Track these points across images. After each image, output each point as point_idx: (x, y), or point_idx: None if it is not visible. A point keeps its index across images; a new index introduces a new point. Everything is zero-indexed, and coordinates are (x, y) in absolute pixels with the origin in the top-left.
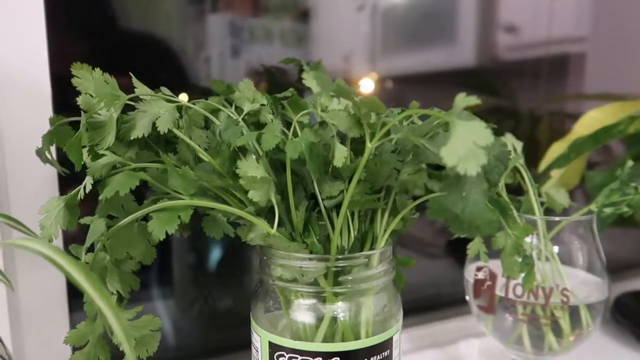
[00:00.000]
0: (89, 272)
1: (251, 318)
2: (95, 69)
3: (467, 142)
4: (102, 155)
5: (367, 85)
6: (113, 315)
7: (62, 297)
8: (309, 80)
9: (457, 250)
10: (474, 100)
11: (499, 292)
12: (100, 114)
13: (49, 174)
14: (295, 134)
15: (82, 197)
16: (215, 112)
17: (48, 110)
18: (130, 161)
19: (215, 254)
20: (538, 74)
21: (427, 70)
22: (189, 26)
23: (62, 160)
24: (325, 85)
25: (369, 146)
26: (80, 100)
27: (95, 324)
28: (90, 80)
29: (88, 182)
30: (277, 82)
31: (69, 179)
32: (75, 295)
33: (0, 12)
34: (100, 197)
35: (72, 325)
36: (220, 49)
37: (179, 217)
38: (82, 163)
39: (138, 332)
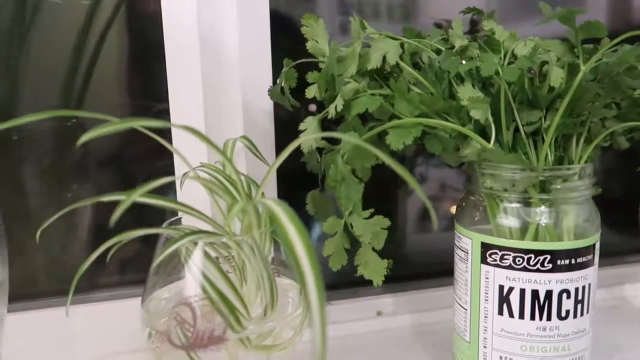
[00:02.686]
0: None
1: (457, 225)
2: (319, 19)
3: None
4: (348, 82)
5: None
6: (412, 182)
7: None
8: (490, 26)
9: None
10: None
11: None
12: (341, 50)
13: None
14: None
15: (333, 116)
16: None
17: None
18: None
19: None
20: None
21: (552, 38)
22: (300, 5)
23: None
24: (551, 13)
25: (583, 69)
26: (309, 45)
27: (340, 220)
28: (315, 29)
29: (339, 102)
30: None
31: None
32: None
33: None
34: (350, 115)
35: None
36: (330, 26)
37: (411, 132)
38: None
39: (373, 228)
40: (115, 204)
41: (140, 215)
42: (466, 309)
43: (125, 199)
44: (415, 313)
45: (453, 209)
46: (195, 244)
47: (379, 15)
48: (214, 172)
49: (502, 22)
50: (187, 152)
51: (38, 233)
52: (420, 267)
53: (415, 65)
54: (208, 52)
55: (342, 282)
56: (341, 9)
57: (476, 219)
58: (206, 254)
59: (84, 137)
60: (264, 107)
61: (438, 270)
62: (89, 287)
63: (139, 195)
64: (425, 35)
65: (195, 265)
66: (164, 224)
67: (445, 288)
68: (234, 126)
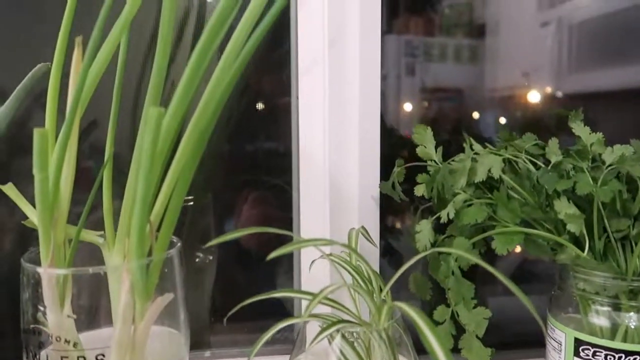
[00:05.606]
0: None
1: (551, 317)
2: (427, 128)
3: None
4: (458, 193)
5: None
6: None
7: None
8: (579, 128)
9: None
10: None
11: None
12: (451, 163)
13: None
14: (603, 182)
15: (445, 221)
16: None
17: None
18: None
19: None
20: None
21: (625, 87)
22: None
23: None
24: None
25: None
26: (418, 150)
27: (448, 309)
28: (424, 136)
29: (451, 211)
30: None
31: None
32: None
33: None
34: (461, 222)
35: None
36: (396, 67)
37: (514, 239)
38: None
39: (476, 318)
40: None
41: None
42: None
43: (301, 317)
44: None
45: None
46: (338, 330)
47: (445, 57)
48: (342, 262)
49: (573, 71)
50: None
51: (225, 320)
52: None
53: (512, 169)
54: (334, 158)
55: None
56: (407, 51)
57: (569, 313)
58: (344, 337)
59: (272, 255)
60: (374, 196)
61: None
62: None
63: (309, 313)
64: (516, 137)
65: (338, 346)
66: (304, 313)
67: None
68: (350, 214)
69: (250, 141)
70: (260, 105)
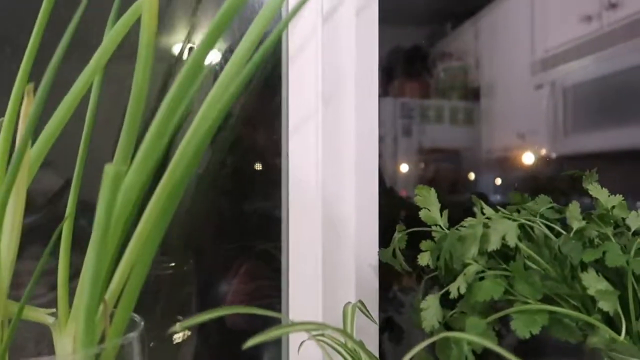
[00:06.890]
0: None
1: None
2: (431, 189)
3: None
4: (468, 263)
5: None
6: None
7: None
8: (595, 191)
9: None
10: None
11: None
12: (460, 230)
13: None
14: (637, 253)
15: (456, 297)
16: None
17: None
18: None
19: None
20: None
21: (622, 148)
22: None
23: None
24: None
25: None
26: (422, 213)
27: None
28: (427, 198)
29: (462, 285)
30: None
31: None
32: None
33: None
34: (474, 300)
35: None
36: (392, 128)
37: (536, 319)
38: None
39: None
40: None
41: None
42: None
43: None
44: None
45: None
46: None
47: (441, 118)
48: (337, 344)
49: (568, 132)
50: (304, 312)
51: None
52: None
53: (526, 234)
54: (327, 222)
55: None
56: (403, 113)
57: None
58: None
59: (250, 342)
60: (372, 265)
61: None
62: None
63: None
64: (528, 199)
65: None
66: None
67: None
68: (346, 285)
69: (236, 203)
70: (249, 165)
